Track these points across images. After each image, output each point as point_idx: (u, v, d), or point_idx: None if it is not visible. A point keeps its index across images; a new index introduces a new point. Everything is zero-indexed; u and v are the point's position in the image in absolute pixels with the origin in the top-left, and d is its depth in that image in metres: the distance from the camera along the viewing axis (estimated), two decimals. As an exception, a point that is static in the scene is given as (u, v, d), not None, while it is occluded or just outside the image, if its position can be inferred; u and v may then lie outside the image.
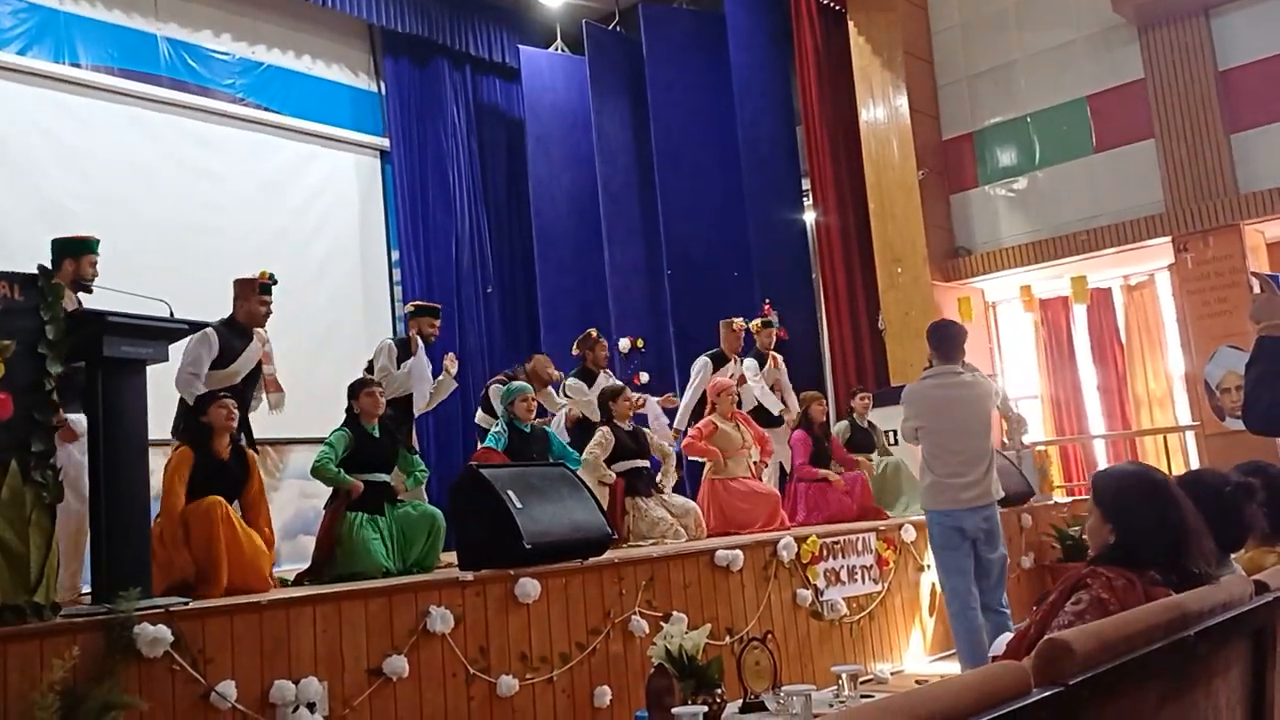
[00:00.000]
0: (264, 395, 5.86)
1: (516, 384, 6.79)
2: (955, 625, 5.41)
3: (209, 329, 5.34)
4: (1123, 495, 2.52)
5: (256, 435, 5.78)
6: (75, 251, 5.43)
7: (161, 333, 4.20)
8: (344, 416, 5.66)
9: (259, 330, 5.79)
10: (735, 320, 8.45)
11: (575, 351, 8.01)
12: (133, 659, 3.41)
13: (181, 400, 5.31)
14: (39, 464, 3.53)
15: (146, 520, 3.96)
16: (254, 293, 5.69)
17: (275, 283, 5.84)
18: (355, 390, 5.69)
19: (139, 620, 3.44)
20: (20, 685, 3.18)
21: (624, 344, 8.54)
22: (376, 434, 5.63)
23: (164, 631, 3.47)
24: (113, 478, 3.82)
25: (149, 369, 4.11)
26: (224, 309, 5.92)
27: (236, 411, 4.97)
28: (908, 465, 7.92)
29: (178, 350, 4.80)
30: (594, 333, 7.98)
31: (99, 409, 3.87)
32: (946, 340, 5.57)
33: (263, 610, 3.81)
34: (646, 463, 6.84)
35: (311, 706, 3.77)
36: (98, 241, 5.46)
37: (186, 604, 3.78)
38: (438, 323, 7.17)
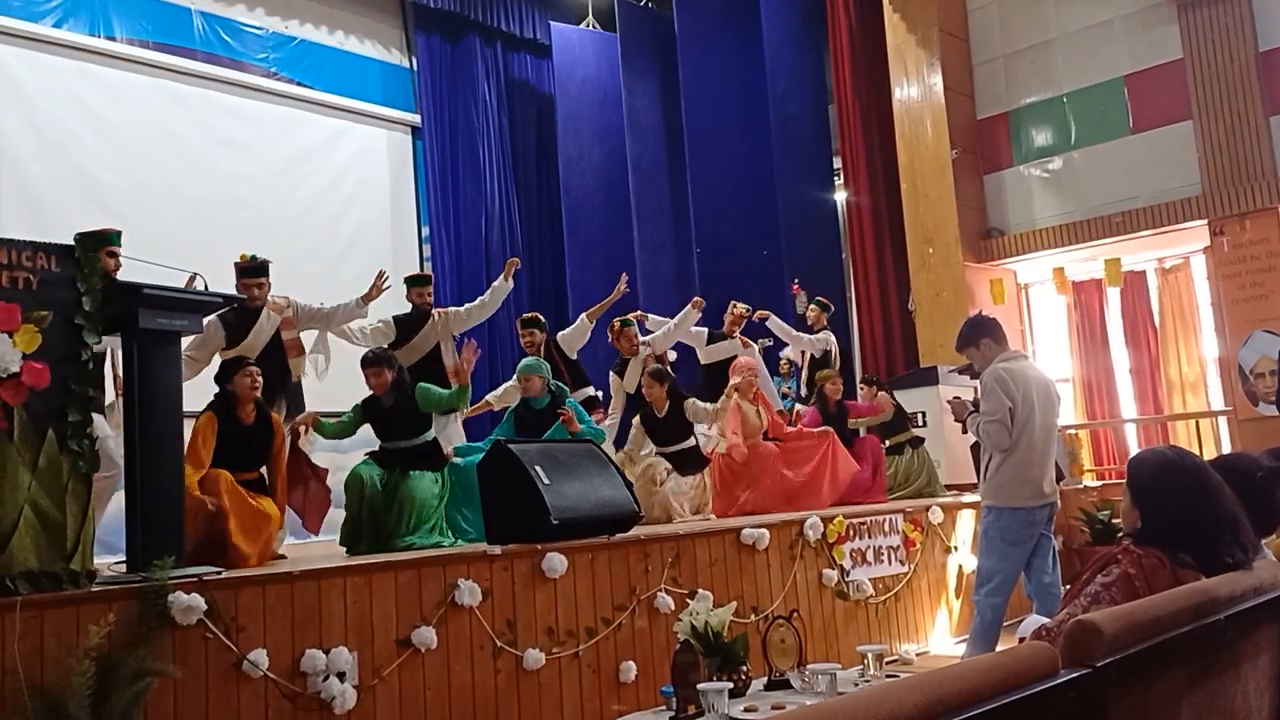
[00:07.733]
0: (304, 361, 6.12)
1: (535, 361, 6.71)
2: (987, 608, 5.03)
3: (213, 317, 5.49)
4: (1153, 482, 2.51)
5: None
6: (94, 245, 5.47)
7: (196, 305, 4.24)
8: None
9: (275, 302, 5.98)
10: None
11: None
12: (167, 627, 3.46)
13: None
14: (75, 433, 3.57)
15: (180, 490, 4.01)
16: (238, 278, 5.88)
17: (256, 263, 5.91)
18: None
19: (173, 589, 3.49)
20: (57, 651, 3.24)
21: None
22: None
23: (198, 600, 3.51)
24: (148, 448, 3.87)
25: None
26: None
27: (260, 380, 5.07)
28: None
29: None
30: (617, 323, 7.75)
31: (134, 380, 3.92)
32: (996, 326, 5.23)
33: (294, 580, 3.85)
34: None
35: (342, 676, 3.82)
36: (118, 234, 5.39)
37: (220, 573, 3.83)
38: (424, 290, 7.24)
